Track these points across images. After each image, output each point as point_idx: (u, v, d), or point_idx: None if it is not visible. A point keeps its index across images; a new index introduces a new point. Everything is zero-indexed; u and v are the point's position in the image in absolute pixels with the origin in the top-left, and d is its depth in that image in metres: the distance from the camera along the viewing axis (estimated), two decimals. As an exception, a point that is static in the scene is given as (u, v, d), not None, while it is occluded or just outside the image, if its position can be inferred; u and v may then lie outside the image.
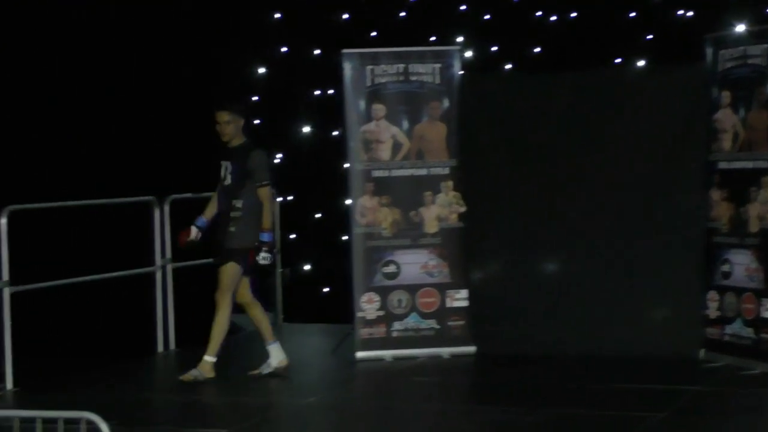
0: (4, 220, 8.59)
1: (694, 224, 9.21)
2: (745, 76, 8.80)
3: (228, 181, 8.85)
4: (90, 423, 5.08)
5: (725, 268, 8.95)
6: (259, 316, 9.04)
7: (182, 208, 10.45)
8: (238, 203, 8.77)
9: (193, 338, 10.62)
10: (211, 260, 8.98)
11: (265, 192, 8.83)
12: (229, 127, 8.86)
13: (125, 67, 14.26)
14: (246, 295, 8.99)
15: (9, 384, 8.57)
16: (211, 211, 8.96)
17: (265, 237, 8.78)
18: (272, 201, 9.13)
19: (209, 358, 8.83)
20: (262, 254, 8.74)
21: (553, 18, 14.57)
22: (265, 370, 8.97)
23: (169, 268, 10.24)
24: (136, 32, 14.28)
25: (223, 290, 8.79)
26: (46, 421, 5.16)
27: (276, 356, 9.01)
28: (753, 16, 12.67)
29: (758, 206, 8.66)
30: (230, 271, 8.78)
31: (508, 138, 9.74)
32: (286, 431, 7.65)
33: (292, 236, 14.37)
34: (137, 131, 14.25)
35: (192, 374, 8.78)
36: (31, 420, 5.24)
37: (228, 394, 8.56)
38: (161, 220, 10.18)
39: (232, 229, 8.77)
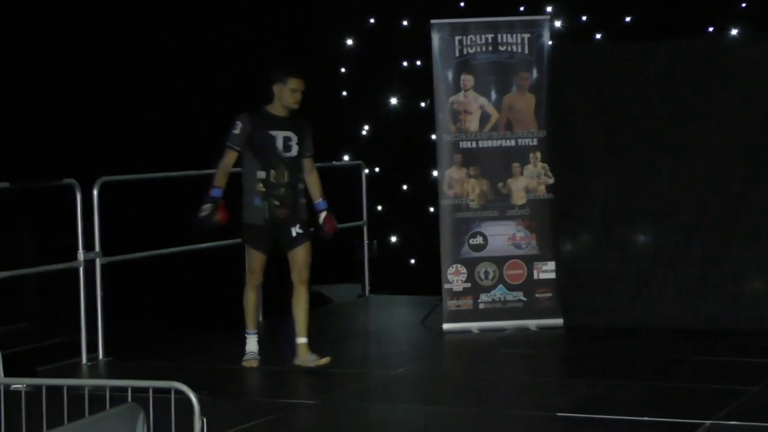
0: (96, 191, 8.71)
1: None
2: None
3: (293, 152, 8.26)
4: (179, 393, 5.13)
5: (820, 240, 8.79)
6: (301, 299, 8.41)
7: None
8: (302, 175, 8.33)
9: (279, 311, 10.72)
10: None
11: (313, 162, 8.43)
12: (301, 95, 8.36)
13: (216, 42, 14.34)
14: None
15: (101, 353, 8.70)
16: (224, 181, 8.23)
17: (324, 205, 8.42)
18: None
19: (302, 340, 8.33)
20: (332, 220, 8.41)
21: (645, -13, 14.32)
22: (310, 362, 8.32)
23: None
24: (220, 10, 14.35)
25: (308, 270, 8.36)
26: (136, 390, 5.23)
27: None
28: None
29: None
30: (310, 249, 8.37)
31: (599, 108, 9.64)
32: (375, 402, 7.65)
33: (380, 208, 14.38)
34: (228, 105, 14.33)
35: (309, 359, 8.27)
36: (123, 389, 5.31)
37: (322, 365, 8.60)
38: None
39: (303, 200, 8.34)
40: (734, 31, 13.28)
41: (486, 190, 9.64)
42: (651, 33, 13.10)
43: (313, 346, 8.32)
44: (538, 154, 9.63)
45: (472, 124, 9.64)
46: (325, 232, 8.43)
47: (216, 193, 8.12)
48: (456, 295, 9.61)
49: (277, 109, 8.27)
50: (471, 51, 9.61)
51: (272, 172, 8.18)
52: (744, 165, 9.24)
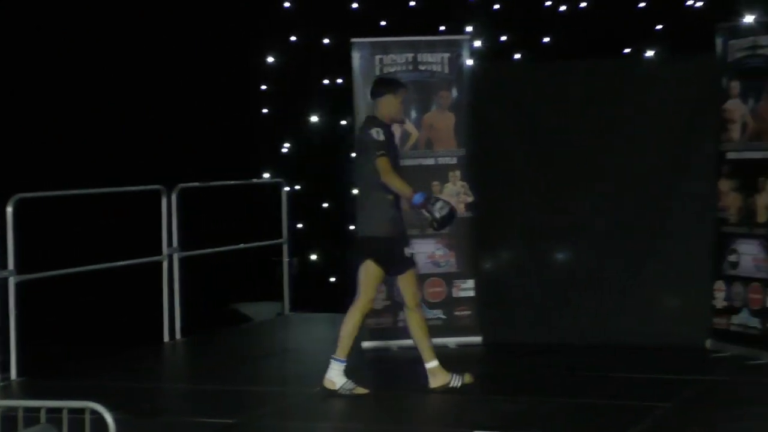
0: (10, 209, 8.60)
1: (704, 214, 9.19)
2: (755, 66, 8.77)
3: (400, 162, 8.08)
4: (94, 413, 5.07)
5: (733, 258, 8.93)
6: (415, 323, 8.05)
7: (190, 196, 10.46)
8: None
9: (202, 327, 10.67)
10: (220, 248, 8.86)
11: None
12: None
13: (133, 57, 14.26)
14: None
15: (14, 373, 8.58)
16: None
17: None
18: None
19: (431, 365, 8.02)
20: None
21: (563, 8, 14.52)
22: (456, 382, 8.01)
23: (176, 257, 10.24)
24: (145, 21, 14.27)
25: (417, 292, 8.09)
26: (51, 410, 5.16)
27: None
28: (763, 7, 12.62)
29: (766, 196, 8.63)
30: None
31: (519, 127, 9.72)
32: (294, 420, 7.63)
33: (301, 226, 14.37)
34: (146, 121, 14.25)
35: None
36: (36, 409, 5.23)
37: (235, 383, 8.56)
38: (169, 208, 10.17)
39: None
40: (650, 52, 13.50)
41: (406, 208, 9.65)
42: (569, 53, 13.28)
43: (234, 365, 8.27)
44: (458, 173, 9.68)
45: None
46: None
47: (421, 197, 7.71)
48: (376, 312, 9.59)
49: (384, 118, 7.99)
50: (391, 70, 9.64)
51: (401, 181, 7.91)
52: (658, 182, 9.38)
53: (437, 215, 7.68)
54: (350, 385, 7.91)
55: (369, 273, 7.87)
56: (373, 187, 7.80)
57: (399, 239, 7.89)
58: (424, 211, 7.75)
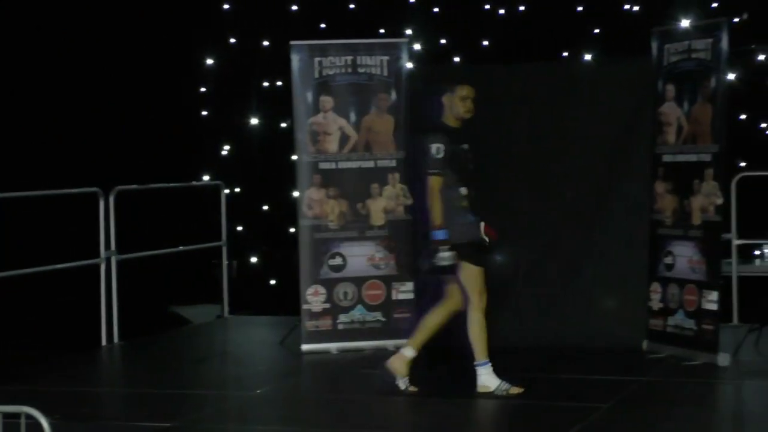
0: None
1: (640, 216, 9.28)
2: (689, 70, 8.87)
3: (473, 165, 7.94)
4: (30, 417, 5.03)
5: (668, 260, 9.03)
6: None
7: (127, 199, 10.40)
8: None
9: (140, 331, 10.61)
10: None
11: None
12: (473, 104, 7.93)
13: (70, 59, 14.14)
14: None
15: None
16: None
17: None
18: None
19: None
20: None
21: (502, 11, 14.61)
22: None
23: (114, 260, 10.17)
24: (81, 21, 14.16)
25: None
26: (-15, 414, 5.11)
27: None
28: (698, 11, 12.79)
29: (701, 199, 8.73)
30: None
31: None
32: (233, 424, 7.61)
33: (240, 228, 14.33)
34: (84, 123, 14.15)
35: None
36: (-30, 414, 5.18)
37: (174, 387, 8.51)
38: (106, 211, 10.11)
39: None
40: (588, 56, 13.62)
41: (345, 210, 9.67)
42: (508, 56, 13.36)
43: (172, 368, 8.23)
44: (397, 176, 9.70)
45: (332, 145, 9.67)
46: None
47: (444, 235, 7.68)
48: (315, 315, 9.60)
49: (451, 120, 7.90)
50: (330, 72, 9.65)
51: (471, 186, 7.86)
52: (596, 185, 9.46)
53: (437, 262, 7.69)
54: (506, 385, 7.80)
55: (469, 274, 7.83)
56: (445, 198, 7.78)
57: (479, 241, 7.84)
58: (432, 248, 7.72)
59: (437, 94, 7.91)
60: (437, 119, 7.96)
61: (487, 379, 7.81)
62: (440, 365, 9.01)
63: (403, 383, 7.93)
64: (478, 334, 7.86)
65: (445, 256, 7.67)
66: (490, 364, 7.85)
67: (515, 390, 7.79)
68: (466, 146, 7.87)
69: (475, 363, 7.87)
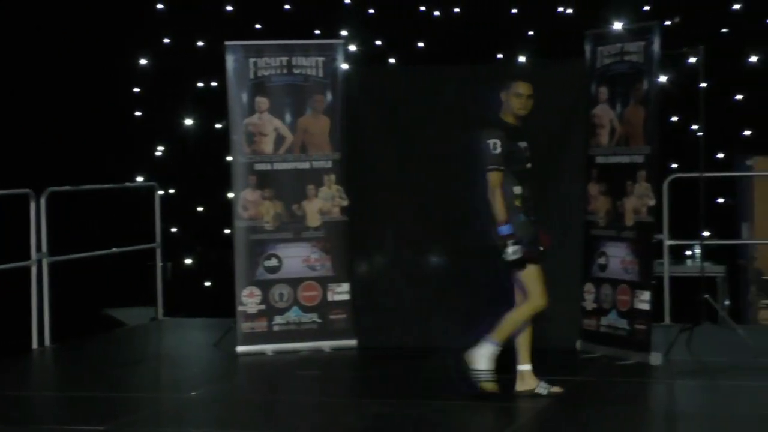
0: None
1: (574, 217, 9.35)
2: (622, 72, 8.95)
3: (530, 164, 7.81)
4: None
5: (602, 260, 9.11)
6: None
7: (60, 201, 10.30)
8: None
9: (73, 333, 10.51)
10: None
11: None
12: (531, 101, 7.82)
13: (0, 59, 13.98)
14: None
15: None
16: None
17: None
18: None
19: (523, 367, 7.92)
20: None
21: (437, 13, 14.65)
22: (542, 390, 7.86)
23: (45, 262, 10.08)
24: (12, 20, 14.00)
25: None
26: None
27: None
28: (631, 14, 12.91)
29: (634, 200, 8.82)
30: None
31: (393, 132, 9.78)
32: (167, 426, 7.56)
33: (175, 230, 14.25)
34: (15, 123, 13.98)
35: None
36: None
37: (108, 390, 8.45)
38: (38, 213, 10.00)
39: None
40: (522, 58, 13.70)
41: (281, 212, 9.66)
42: (443, 58, 13.40)
43: (106, 371, 8.16)
44: (333, 177, 9.71)
45: (267, 146, 9.65)
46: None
47: (509, 230, 7.58)
48: (250, 317, 9.58)
49: (509, 117, 7.79)
50: (266, 73, 9.63)
51: (525, 185, 7.75)
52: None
53: (506, 257, 7.62)
54: (544, 386, 7.79)
55: (528, 275, 7.75)
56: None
57: (534, 241, 7.74)
58: (500, 244, 7.65)
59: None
60: (495, 116, 7.91)
61: (527, 378, 7.83)
62: (383, 365, 9.04)
63: (544, 386, 7.82)
64: (515, 321, 7.84)
65: (513, 251, 7.59)
66: (497, 345, 7.80)
67: (556, 389, 7.77)
68: (523, 144, 7.76)
69: (489, 337, 7.83)
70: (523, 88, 7.76)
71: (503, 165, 7.66)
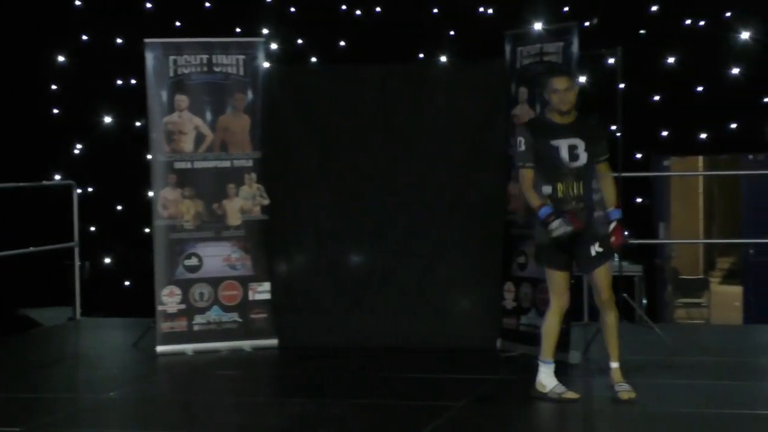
0: None
1: (494, 217, 9.40)
2: (541, 73, 9.01)
3: (581, 160, 7.50)
4: None
5: (521, 259, 9.18)
6: (609, 321, 7.69)
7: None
8: (594, 185, 7.60)
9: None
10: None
11: (608, 166, 7.68)
12: (571, 94, 7.54)
13: None
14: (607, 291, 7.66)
15: None
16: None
17: (617, 214, 7.55)
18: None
19: (614, 364, 7.68)
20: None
21: (358, 12, 14.66)
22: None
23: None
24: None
25: (610, 290, 7.60)
26: None
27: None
28: (550, 15, 13.02)
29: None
30: (609, 268, 7.58)
31: (313, 130, 9.77)
32: (84, 427, 7.48)
33: (93, 229, 14.11)
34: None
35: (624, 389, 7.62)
36: None
37: (24, 390, 8.34)
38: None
39: (600, 213, 7.59)
40: (443, 58, 13.76)
41: (201, 211, 9.60)
42: (365, 57, 13.42)
43: (22, 371, 8.05)
44: (254, 176, 9.67)
45: (187, 144, 9.59)
46: (611, 244, 7.58)
47: (548, 209, 7.41)
48: (170, 316, 9.51)
49: (554, 115, 7.57)
50: (185, 71, 9.57)
51: (559, 185, 7.49)
52: (451, 187, 9.56)
53: (552, 233, 7.42)
54: (560, 388, 7.63)
55: (548, 277, 7.65)
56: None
57: (563, 242, 7.54)
58: (541, 224, 7.52)
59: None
60: (542, 113, 7.90)
61: (544, 378, 7.67)
62: (304, 365, 9.03)
63: (557, 392, 7.64)
64: (547, 332, 7.66)
65: (556, 225, 7.39)
66: (553, 364, 7.67)
67: (570, 395, 7.65)
68: (571, 141, 7.51)
69: (538, 358, 7.73)
70: (558, 83, 7.55)
71: (531, 162, 7.52)
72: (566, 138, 7.52)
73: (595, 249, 7.53)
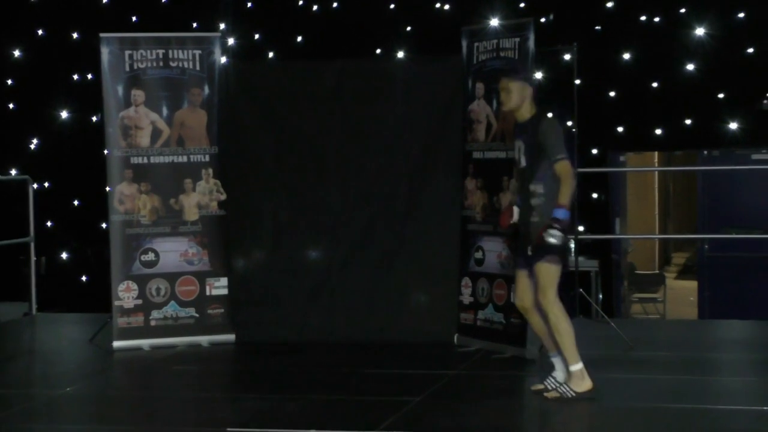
0: None
1: (452, 212, 9.43)
2: (498, 68, 9.05)
3: (522, 163, 7.54)
4: None
5: (478, 255, 9.22)
6: (539, 324, 7.66)
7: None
8: (539, 188, 7.45)
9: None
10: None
11: (566, 167, 7.37)
12: (508, 95, 7.53)
13: None
14: (527, 300, 7.62)
15: None
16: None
17: (560, 213, 7.35)
18: (573, 177, 7.45)
19: (575, 368, 7.52)
20: (551, 231, 7.30)
21: (316, 7, 14.65)
22: (568, 393, 7.55)
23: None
24: None
25: (544, 293, 7.43)
26: None
27: (560, 370, 7.64)
28: (507, 10, 13.07)
29: (510, 195, 8.93)
30: (545, 271, 7.42)
31: (270, 125, 9.76)
32: (39, 423, 7.44)
33: (49, 224, 14.03)
34: None
35: (561, 390, 7.54)
36: None
37: (-22, 387, 8.30)
38: None
39: (536, 219, 7.46)
40: (400, 53, 13.78)
41: (158, 206, 9.58)
42: (322, 53, 13.42)
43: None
44: (210, 171, 9.66)
45: (143, 139, 9.56)
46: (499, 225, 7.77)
47: (563, 214, 7.36)
48: (127, 312, 9.49)
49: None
50: (141, 66, 9.53)
51: (516, 184, 7.63)
52: (408, 182, 9.59)
53: (546, 237, 7.36)
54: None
55: (553, 271, 7.49)
56: None
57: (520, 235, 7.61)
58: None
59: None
60: None
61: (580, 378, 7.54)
62: (261, 360, 9.02)
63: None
64: (569, 333, 7.51)
65: (553, 234, 7.33)
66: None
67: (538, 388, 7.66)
68: (518, 142, 7.58)
69: (567, 364, 7.57)
70: (500, 84, 7.64)
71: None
72: (518, 138, 7.62)
73: (530, 250, 7.50)
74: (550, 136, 7.40)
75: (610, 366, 8.51)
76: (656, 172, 20.35)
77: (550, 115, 7.67)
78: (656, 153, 18.24)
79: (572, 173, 7.42)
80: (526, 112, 7.57)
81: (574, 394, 7.52)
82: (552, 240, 7.31)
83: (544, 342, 7.76)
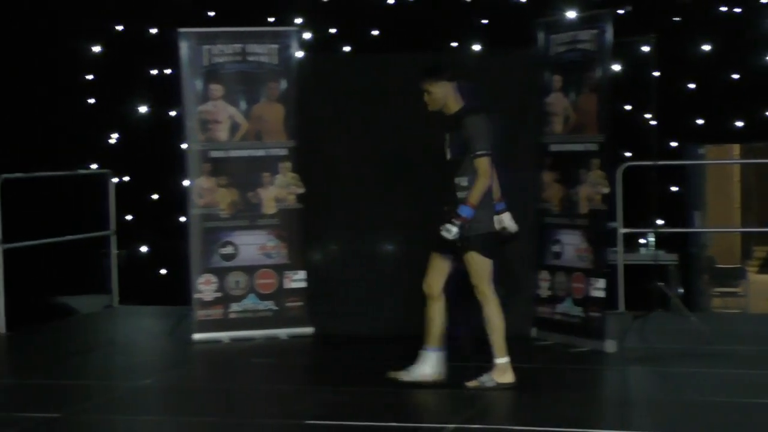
0: None
1: (527, 205, 9.39)
2: (575, 60, 9.01)
3: (448, 155, 7.70)
4: None
5: (556, 248, 9.17)
6: (433, 314, 7.86)
7: (13, 188, 10.25)
8: (463, 181, 7.61)
9: (27, 321, 10.46)
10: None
11: (482, 163, 7.55)
12: (431, 96, 7.74)
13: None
14: (435, 286, 7.84)
15: None
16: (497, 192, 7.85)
17: (464, 211, 7.54)
18: (494, 174, 7.70)
19: (500, 360, 7.70)
20: (448, 225, 7.51)
21: (391, 1, 14.65)
22: (488, 383, 7.69)
23: (0, 249, 10.02)
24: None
25: (477, 287, 7.68)
26: None
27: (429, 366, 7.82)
28: (583, 2, 12.97)
29: (587, 188, 8.89)
30: (473, 262, 7.62)
31: (345, 119, 9.78)
32: (120, 414, 7.54)
33: (129, 217, 14.19)
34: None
35: (480, 380, 7.70)
36: None
37: (61, 377, 8.41)
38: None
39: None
40: (476, 47, 13.73)
41: (236, 199, 9.65)
42: (397, 46, 13.41)
43: (60, 359, 8.08)
44: (288, 164, 9.71)
45: (222, 133, 9.64)
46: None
47: (465, 212, 7.61)
48: (206, 304, 9.57)
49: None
50: (219, 60, 9.61)
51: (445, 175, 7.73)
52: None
53: (441, 230, 7.61)
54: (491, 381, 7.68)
55: (484, 264, 7.75)
56: None
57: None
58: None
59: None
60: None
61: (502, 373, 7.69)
62: (339, 353, 9.04)
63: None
64: (500, 326, 7.70)
65: (449, 229, 7.52)
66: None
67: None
68: (446, 136, 7.74)
69: (493, 357, 7.72)
70: (422, 85, 7.80)
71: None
72: (447, 132, 7.71)
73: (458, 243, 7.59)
74: (472, 130, 7.52)
75: (688, 360, 8.43)
76: (736, 165, 20.07)
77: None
78: (737, 145, 17.98)
79: (489, 171, 7.53)
80: (452, 106, 7.68)
81: (494, 384, 7.60)
82: (445, 234, 7.49)
83: (424, 335, 7.82)
